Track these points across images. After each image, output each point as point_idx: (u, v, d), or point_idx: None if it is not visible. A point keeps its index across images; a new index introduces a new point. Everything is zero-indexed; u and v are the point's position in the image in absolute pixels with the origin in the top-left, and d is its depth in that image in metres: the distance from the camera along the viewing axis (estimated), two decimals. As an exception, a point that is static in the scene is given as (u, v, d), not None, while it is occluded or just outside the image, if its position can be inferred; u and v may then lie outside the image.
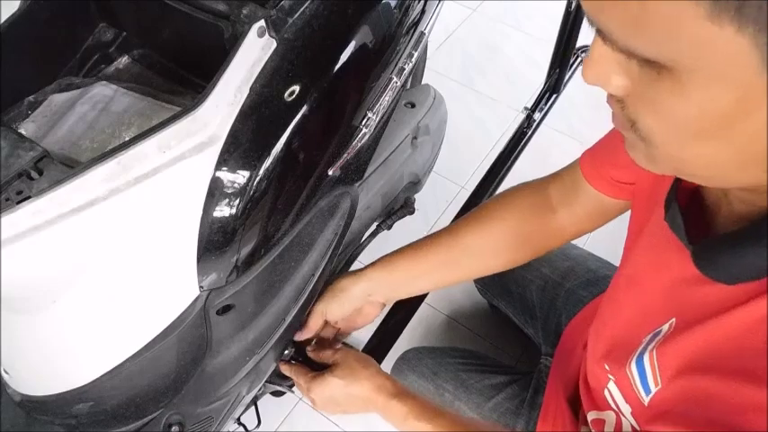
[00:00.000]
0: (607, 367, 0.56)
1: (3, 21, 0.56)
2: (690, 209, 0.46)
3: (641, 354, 0.49)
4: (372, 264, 0.76)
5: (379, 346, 1.02)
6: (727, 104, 0.30)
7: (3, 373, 0.60)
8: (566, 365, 0.80)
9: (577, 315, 0.88)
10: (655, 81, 0.31)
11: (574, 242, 0.83)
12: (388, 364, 1.00)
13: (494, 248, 0.74)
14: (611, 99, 0.36)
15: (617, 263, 0.63)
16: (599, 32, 0.32)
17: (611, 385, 0.57)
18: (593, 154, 0.69)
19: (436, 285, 0.80)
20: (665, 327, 0.47)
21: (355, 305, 0.77)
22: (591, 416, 0.65)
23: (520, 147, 1.34)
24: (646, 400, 0.49)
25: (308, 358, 0.80)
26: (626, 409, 0.55)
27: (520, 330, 1.16)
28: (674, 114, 0.32)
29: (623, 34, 0.30)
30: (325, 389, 0.73)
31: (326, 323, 0.79)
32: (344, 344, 1.22)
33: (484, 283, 1.10)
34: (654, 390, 0.47)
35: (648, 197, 0.55)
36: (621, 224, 0.64)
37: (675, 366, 0.45)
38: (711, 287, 0.40)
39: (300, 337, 0.78)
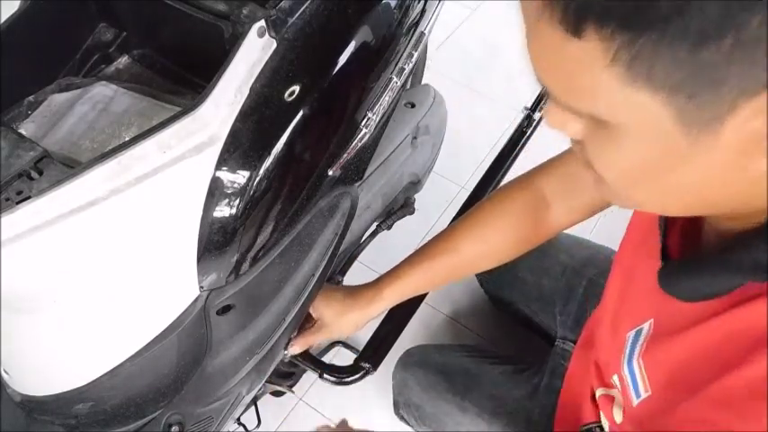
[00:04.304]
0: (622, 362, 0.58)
1: (3, 21, 0.56)
2: (687, 218, 0.47)
3: (630, 357, 0.51)
4: (382, 283, 0.78)
5: (379, 346, 1.02)
6: (654, 158, 0.32)
7: (3, 373, 0.60)
8: (590, 349, 0.80)
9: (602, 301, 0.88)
10: (596, 132, 0.34)
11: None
12: (388, 364, 1.00)
13: (493, 253, 0.76)
14: (572, 141, 0.39)
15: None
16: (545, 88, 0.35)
17: (615, 377, 0.58)
18: None
19: (440, 287, 0.83)
20: (645, 326, 0.49)
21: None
22: (599, 392, 0.66)
23: (519, 146, 1.33)
24: (635, 401, 0.51)
25: (309, 356, 0.80)
26: (621, 401, 0.56)
27: (523, 326, 1.16)
28: (613, 162, 0.35)
29: (560, 95, 0.34)
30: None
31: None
32: (344, 344, 1.22)
33: (491, 275, 1.10)
34: (644, 395, 0.49)
35: None
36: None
37: (660, 377, 0.47)
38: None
39: (303, 347, 0.80)
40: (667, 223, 0.48)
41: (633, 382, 0.51)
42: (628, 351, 0.52)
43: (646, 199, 0.38)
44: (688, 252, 0.47)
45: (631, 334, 0.52)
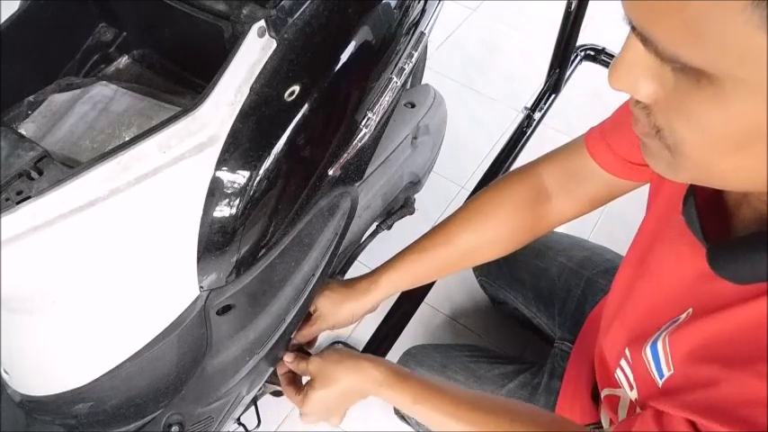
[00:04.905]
0: (628, 353, 0.57)
1: (3, 21, 0.56)
2: (710, 203, 0.45)
3: (656, 339, 0.50)
4: (378, 273, 0.78)
5: (379, 346, 1.02)
6: (763, 121, 0.29)
7: (3, 373, 0.60)
8: (589, 349, 0.80)
9: (601, 302, 0.88)
10: (693, 90, 0.30)
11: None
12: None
13: (491, 244, 0.75)
14: (636, 105, 0.35)
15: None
16: (640, 38, 0.31)
17: (626, 367, 0.57)
18: (605, 135, 0.64)
19: (437, 279, 0.82)
20: (683, 315, 0.48)
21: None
22: (605, 392, 0.65)
23: (519, 146, 1.34)
24: (660, 382, 0.50)
25: (309, 355, 0.81)
26: (632, 394, 0.56)
27: (523, 326, 1.16)
28: (711, 125, 0.30)
29: (672, 42, 0.29)
30: (313, 406, 0.73)
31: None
32: (344, 344, 1.23)
33: (490, 276, 1.10)
34: (667, 374, 0.48)
35: (670, 183, 0.54)
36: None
37: (685, 352, 0.45)
38: (725, 282, 0.40)
39: (301, 340, 0.79)
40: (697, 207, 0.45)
41: (656, 362, 0.50)
42: (654, 338, 0.50)
43: (729, 169, 0.33)
44: (717, 234, 0.44)
45: (665, 325, 0.50)
